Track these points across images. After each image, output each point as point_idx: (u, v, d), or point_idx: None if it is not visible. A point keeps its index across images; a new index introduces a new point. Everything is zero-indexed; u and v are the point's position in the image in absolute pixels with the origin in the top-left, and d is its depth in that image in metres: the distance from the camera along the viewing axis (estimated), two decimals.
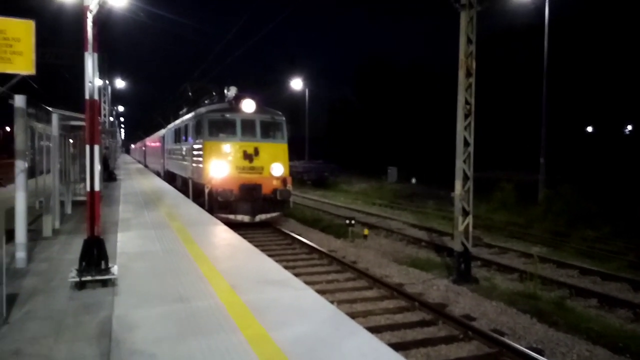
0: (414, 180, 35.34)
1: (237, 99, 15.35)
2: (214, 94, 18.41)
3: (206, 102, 17.84)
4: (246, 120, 14.91)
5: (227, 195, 13.62)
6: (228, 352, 3.76)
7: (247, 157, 14.44)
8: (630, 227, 14.78)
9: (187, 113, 19.60)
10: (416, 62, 56.95)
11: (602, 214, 16.25)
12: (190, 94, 22.69)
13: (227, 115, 14.87)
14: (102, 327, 4.43)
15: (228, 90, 16.54)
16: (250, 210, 14.23)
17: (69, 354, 3.93)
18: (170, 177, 23.25)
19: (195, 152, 15.85)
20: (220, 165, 14.18)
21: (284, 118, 15.79)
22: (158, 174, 28.01)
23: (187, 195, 15.90)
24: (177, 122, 21.68)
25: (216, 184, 13.90)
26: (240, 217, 14.03)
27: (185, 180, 18.39)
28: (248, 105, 14.95)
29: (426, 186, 30.01)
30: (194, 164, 16.00)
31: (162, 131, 28.71)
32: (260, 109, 15.33)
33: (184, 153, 18.58)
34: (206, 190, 13.90)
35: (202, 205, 13.32)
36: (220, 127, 14.97)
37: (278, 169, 14.75)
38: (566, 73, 36.84)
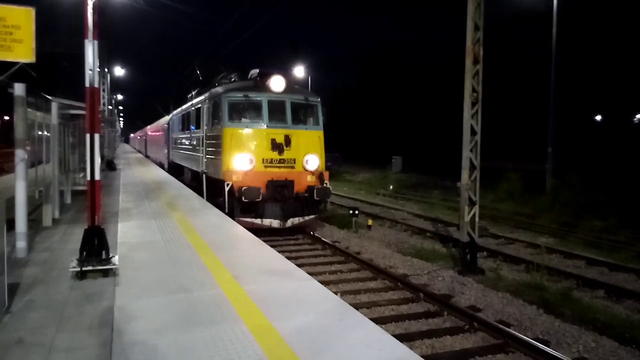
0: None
1: (263, 75, 12.59)
2: (224, 73, 15.65)
3: (223, 81, 14.90)
4: (274, 102, 12.26)
5: (253, 195, 11.10)
6: (231, 342, 3.71)
7: (276, 147, 11.88)
8: (638, 217, 14.64)
9: (197, 95, 16.78)
10: (422, 49, 56.58)
11: (609, 204, 16.11)
12: (199, 74, 20.09)
13: (251, 96, 12.17)
14: (103, 317, 4.40)
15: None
16: (280, 213, 11.68)
17: (71, 344, 3.90)
18: (176, 170, 20.78)
19: (210, 142, 13.27)
20: (244, 158, 11.68)
21: (319, 99, 13.12)
22: (161, 165, 26.26)
23: (200, 193, 13.54)
24: (186, 106, 18.80)
25: (238, 180, 11.48)
26: (268, 222, 11.58)
27: (196, 175, 15.73)
28: (277, 83, 12.27)
29: (430, 176, 29.88)
30: (209, 156, 13.40)
31: (166, 118, 26.30)
32: (290, 87, 12.80)
33: (194, 143, 15.82)
34: (226, 188, 11.44)
35: (219, 206, 11.26)
36: (243, 110, 12.41)
37: (313, 162, 12.28)
38: (575, 61, 36.48)
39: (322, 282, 5.60)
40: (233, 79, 14.31)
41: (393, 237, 13.37)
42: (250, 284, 5.15)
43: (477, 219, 10.00)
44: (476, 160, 9.90)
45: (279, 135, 11.98)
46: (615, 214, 15.06)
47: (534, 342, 5.99)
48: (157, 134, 31.39)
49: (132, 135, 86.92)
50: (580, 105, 39.83)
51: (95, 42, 5.68)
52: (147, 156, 38.59)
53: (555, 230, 14.38)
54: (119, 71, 37.62)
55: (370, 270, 9.39)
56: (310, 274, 6.20)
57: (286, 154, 12.02)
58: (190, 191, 14.16)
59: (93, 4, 5.62)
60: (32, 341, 3.92)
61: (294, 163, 12.14)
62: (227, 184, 11.47)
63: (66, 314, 4.50)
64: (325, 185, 12.24)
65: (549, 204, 17.39)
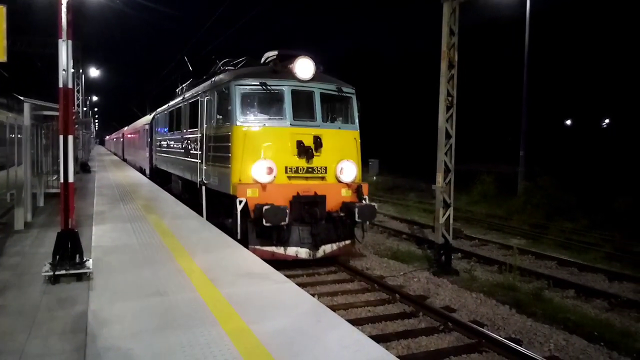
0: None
1: (285, 58, 9.95)
2: (227, 59, 12.14)
3: (228, 67, 11.54)
4: (300, 92, 9.57)
5: (278, 217, 8.37)
6: (208, 345, 3.71)
7: (304, 151, 9.20)
8: (607, 219, 15.09)
9: (191, 87, 13.92)
10: (400, 54, 57.23)
11: (579, 206, 16.56)
12: (189, 65, 17.24)
13: (270, 84, 9.36)
14: (77, 322, 4.34)
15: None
16: (310, 240, 9.00)
17: (43, 350, 3.85)
18: (162, 177, 17.92)
19: (213, 144, 10.35)
20: (261, 166, 8.92)
21: (354, 90, 10.44)
22: (142, 170, 23.94)
23: (197, 209, 10.85)
24: (175, 102, 15.62)
25: (255, 196, 8.80)
26: (293, 251, 8.93)
27: (190, 186, 12.79)
28: (303, 68, 9.47)
29: (406, 178, 30.21)
30: (212, 163, 10.43)
31: (148, 117, 23.48)
32: (319, 74, 9.91)
33: (189, 146, 12.79)
34: (238, 207, 8.67)
35: (226, 229, 9.06)
36: (259, 102, 9.58)
37: (349, 171, 9.56)
38: (546, 66, 37.45)
39: (299, 285, 5.63)
40: (241, 65, 11.24)
41: (369, 239, 13.45)
42: (228, 287, 5.14)
43: (451, 221, 10.18)
44: (451, 163, 10.09)
45: (306, 136, 9.31)
46: (585, 216, 15.50)
47: (506, 341, 6.12)
48: (137, 135, 28.54)
49: (107, 137, 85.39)
50: (551, 110, 40.87)
51: (69, 42, 5.60)
52: (124, 159, 37.71)
53: (528, 232, 14.71)
54: (93, 72, 36.88)
55: (347, 272, 9.44)
56: (288, 276, 6.21)
57: (316, 161, 9.37)
58: (166, 193, 13.96)
59: (67, 3, 5.55)
60: (2, 348, 3.85)
61: (325, 173, 9.47)
62: (240, 201, 8.71)
63: (38, 319, 4.43)
64: (366, 201, 9.56)
65: (521, 206, 17.75)
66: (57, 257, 5.48)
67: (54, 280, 5.36)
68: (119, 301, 4.69)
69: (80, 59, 27.96)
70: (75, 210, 5.84)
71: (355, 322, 6.56)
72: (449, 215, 10.13)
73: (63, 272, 5.38)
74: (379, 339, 6.07)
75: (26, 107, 8.70)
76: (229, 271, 5.76)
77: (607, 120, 45.95)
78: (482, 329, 6.57)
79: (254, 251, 7.84)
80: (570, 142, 38.70)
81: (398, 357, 4.91)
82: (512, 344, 6.01)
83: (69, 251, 5.52)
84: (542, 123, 36.80)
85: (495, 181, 20.83)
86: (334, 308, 6.84)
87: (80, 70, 29.53)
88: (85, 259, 5.62)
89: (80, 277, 5.43)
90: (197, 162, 11.37)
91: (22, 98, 8.70)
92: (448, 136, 10.07)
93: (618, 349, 6.28)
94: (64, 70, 5.53)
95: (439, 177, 10.05)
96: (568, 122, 47.36)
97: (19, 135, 9.30)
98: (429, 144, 12.52)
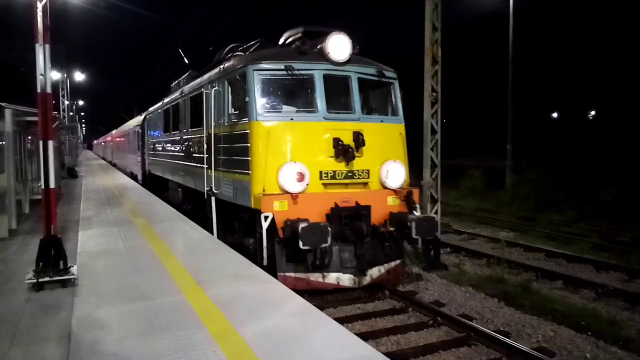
0: None
1: (311, 36, 7.94)
2: (235, 44, 9.93)
3: (237, 53, 9.39)
4: (334, 78, 7.75)
5: (318, 237, 6.56)
6: (193, 348, 3.69)
7: (342, 152, 7.39)
8: (593, 210, 15.25)
9: (191, 79, 11.88)
10: (384, 50, 57.32)
11: (566, 198, 16.73)
12: (184, 58, 15.62)
13: (297, 68, 7.50)
14: (61, 329, 4.31)
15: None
16: (353, 262, 7.30)
17: (26, 357, 3.81)
18: (157, 184, 16.07)
19: (225, 145, 8.45)
20: (290, 171, 7.14)
21: (396, 75, 8.51)
22: (133, 176, 22.30)
23: (203, 224, 9.07)
24: (171, 98, 13.46)
25: (284, 210, 6.98)
26: (334, 278, 7.17)
27: (194, 196, 10.76)
28: (338, 47, 7.61)
29: None
30: (225, 170, 8.48)
31: (139, 118, 21.66)
32: (354, 56, 7.90)
33: (192, 149, 10.75)
34: (263, 224, 6.89)
35: (245, 251, 7.41)
36: (285, 91, 7.87)
37: (397, 174, 7.81)
38: (532, 59, 37.77)
39: None
40: (254, 48, 9.12)
41: None
42: (214, 289, 5.11)
43: (439, 215, 10.22)
44: (437, 158, 10.13)
45: (344, 132, 7.49)
46: (572, 208, 15.65)
47: (495, 334, 6.15)
48: (127, 138, 26.75)
49: (95, 141, 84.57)
50: (537, 103, 41.24)
51: (47, 46, 5.55)
52: (113, 164, 37.17)
53: (516, 225, 14.83)
54: (79, 76, 36.54)
55: None
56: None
57: (357, 163, 7.55)
58: (153, 196, 13.81)
59: (42, 7, 5.50)
60: None
61: (368, 177, 7.71)
62: (265, 217, 6.91)
63: (21, 326, 4.39)
64: (416, 210, 7.80)
65: (509, 199, 17.92)
66: (41, 264, 5.42)
67: (38, 287, 5.31)
68: (104, 306, 4.64)
69: (65, 64, 27.73)
70: (60, 215, 5.81)
71: (344, 320, 6.57)
72: (436, 210, 10.18)
73: (47, 278, 5.33)
74: (368, 335, 6.09)
75: (7, 113, 8.60)
76: (215, 273, 5.73)
77: (593, 113, 46.44)
78: (471, 322, 6.60)
79: (284, 280, 6.51)
80: (556, 135, 39.04)
81: (387, 353, 4.93)
82: (501, 337, 6.05)
83: (53, 257, 5.47)
84: (528, 116, 37.10)
85: (483, 175, 20.99)
86: (323, 307, 6.84)
87: (65, 75, 29.27)
88: (69, 265, 5.57)
89: (64, 284, 5.38)
90: (203, 167, 9.46)
91: (2, 104, 8.59)
92: (433, 132, 10.12)
93: (605, 338, 6.34)
94: (41, 74, 5.48)
95: (426, 173, 10.10)
96: (554, 114, 47.78)
97: (1, 142, 9.18)
98: (416, 140, 12.58)
